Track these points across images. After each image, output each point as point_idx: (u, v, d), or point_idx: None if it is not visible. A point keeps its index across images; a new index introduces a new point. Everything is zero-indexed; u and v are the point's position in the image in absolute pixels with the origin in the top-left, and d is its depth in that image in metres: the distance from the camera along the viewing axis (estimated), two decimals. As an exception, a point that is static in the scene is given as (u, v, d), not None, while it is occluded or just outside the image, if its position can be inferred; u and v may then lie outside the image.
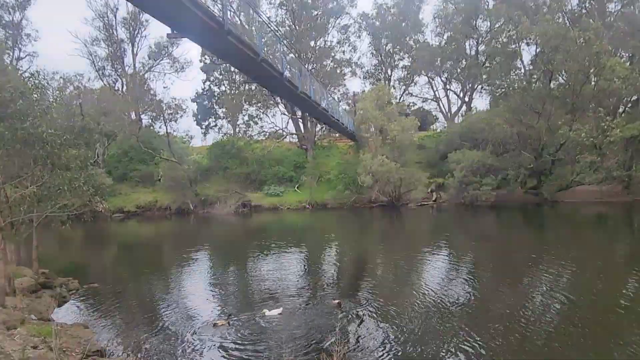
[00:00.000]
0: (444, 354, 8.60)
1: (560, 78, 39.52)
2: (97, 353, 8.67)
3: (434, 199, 42.29)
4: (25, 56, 51.45)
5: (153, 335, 10.32)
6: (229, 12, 16.00)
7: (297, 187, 47.10)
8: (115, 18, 53.12)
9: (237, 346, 9.54)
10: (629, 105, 40.03)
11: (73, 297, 14.18)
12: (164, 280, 16.92)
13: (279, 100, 52.02)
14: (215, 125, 61.63)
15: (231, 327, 10.48)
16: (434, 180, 42.86)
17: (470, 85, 58.03)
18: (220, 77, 57.74)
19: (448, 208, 39.63)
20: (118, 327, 11.08)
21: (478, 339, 9.20)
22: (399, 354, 8.73)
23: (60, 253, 25.28)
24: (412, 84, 62.27)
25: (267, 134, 54.67)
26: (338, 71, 55.22)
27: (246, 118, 55.26)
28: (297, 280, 15.59)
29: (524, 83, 40.96)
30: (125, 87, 54.23)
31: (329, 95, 38.41)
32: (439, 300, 12.00)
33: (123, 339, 10.19)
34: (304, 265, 18.83)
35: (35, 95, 12.86)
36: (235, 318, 11.09)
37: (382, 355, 8.65)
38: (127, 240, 31.23)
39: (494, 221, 32.58)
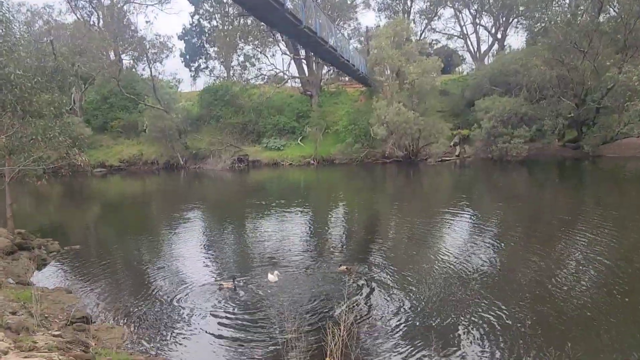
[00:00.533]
0: (464, 326, 8.65)
1: (611, 10, 37.98)
2: (82, 320, 8.93)
3: (457, 153, 42.00)
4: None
5: (141, 300, 10.65)
6: None
7: (300, 140, 46.99)
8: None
9: (235, 312, 9.80)
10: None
11: (53, 259, 14.55)
12: (152, 242, 17.30)
13: (280, 38, 50.82)
14: (206, 67, 61.07)
15: (236, 291, 10.85)
16: (457, 132, 42.56)
17: (503, 20, 56.21)
18: (211, 9, 56.38)
19: (473, 164, 39.38)
20: (103, 292, 11.33)
21: (504, 308, 9.34)
22: (414, 324, 8.86)
23: (38, 211, 25.90)
24: (436, 17, 60.55)
25: (266, 77, 53.72)
26: (349, 2, 53.52)
27: (241, 59, 54.27)
28: (302, 244, 15.91)
29: (568, 16, 39.39)
30: (101, 22, 53.04)
31: (337, 32, 37.28)
32: (460, 267, 12.15)
33: (109, 304, 10.48)
34: (309, 228, 19.13)
35: (0, 30, 12.62)
36: (237, 281, 11.36)
37: (394, 327, 8.76)
38: (110, 198, 31.75)
39: (526, 179, 32.44)
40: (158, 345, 8.48)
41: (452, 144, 42.15)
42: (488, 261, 12.70)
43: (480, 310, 9.37)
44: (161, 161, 46.04)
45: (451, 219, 18.73)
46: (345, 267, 12.07)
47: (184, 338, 8.78)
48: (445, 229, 17.27)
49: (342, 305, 9.40)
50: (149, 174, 43.35)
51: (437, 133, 40.04)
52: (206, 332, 8.97)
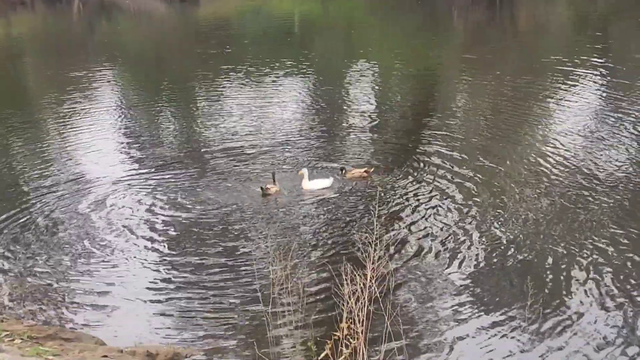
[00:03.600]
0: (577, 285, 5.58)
1: None
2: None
3: None
4: None
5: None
6: None
7: None
8: None
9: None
10: None
11: None
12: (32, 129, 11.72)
13: None
14: None
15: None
16: None
17: None
18: None
19: None
20: None
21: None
22: (488, 277, 5.91)
23: None
24: None
25: None
26: None
27: None
28: (297, 133, 11.09)
29: None
30: None
31: None
32: (574, 174, 8.12)
33: None
34: (309, 104, 13.04)
35: None
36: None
37: (453, 280, 5.90)
38: None
39: None
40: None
41: None
42: (624, 166, 8.35)
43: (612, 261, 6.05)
44: None
45: (569, 88, 12.32)
46: (360, 171, 8.65)
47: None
48: (554, 105, 11.44)
49: (369, 234, 6.11)
50: (12, 8, 29.94)
51: None
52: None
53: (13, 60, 20.08)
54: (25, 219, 7.58)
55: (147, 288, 6.12)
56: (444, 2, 26.18)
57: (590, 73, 13.35)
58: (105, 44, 20.59)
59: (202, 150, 10.35)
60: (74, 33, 23.93)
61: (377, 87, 14.27)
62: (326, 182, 8.29)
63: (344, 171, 8.69)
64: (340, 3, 28.40)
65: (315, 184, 8.28)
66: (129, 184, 8.67)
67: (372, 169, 8.69)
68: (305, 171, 8.27)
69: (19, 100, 13.54)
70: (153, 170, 9.30)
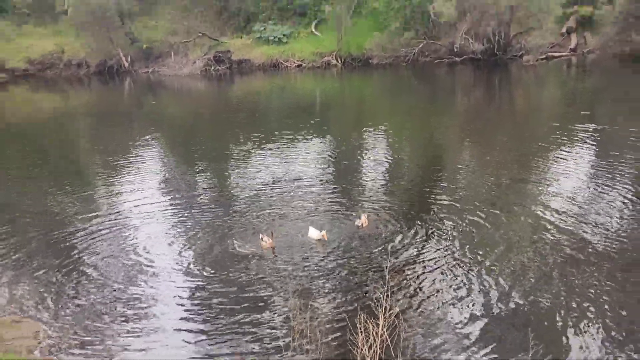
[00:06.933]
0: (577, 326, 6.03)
1: None
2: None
3: (572, 46, 30.15)
4: None
5: (69, 282, 7.78)
6: None
7: (315, 28, 35.07)
8: None
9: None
10: None
11: None
12: (82, 195, 12.01)
13: None
14: None
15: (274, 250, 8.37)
16: (573, 12, 30.49)
17: None
18: None
19: (598, 64, 28.01)
20: (7, 269, 8.28)
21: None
22: (496, 319, 6.31)
23: None
24: None
25: None
26: None
27: None
28: (317, 193, 11.30)
29: None
30: None
31: None
32: (576, 235, 8.36)
33: (17, 288, 7.68)
34: (328, 170, 13.42)
35: None
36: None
37: (464, 324, 6.29)
38: (11, 123, 23.04)
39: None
40: (94, 349, 6.12)
41: (563, 30, 30.17)
42: (622, 228, 8.58)
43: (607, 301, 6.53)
44: (93, 62, 34.07)
45: (563, 155, 12.74)
46: (364, 217, 9.05)
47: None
48: (553, 174, 11.69)
49: (381, 285, 6.94)
50: (73, 83, 32.91)
51: (540, 12, 28.40)
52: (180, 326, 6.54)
53: (70, 127, 22.05)
54: (74, 282, 7.85)
55: (167, 334, 6.42)
56: (447, 82, 28.09)
57: (583, 142, 14.07)
58: (149, 119, 22.59)
59: (229, 201, 11.07)
60: (122, 108, 26.16)
61: (386, 150, 15.15)
62: (316, 233, 8.53)
63: (357, 220, 9.01)
64: (360, 81, 30.64)
65: (314, 233, 8.58)
66: (163, 233, 9.31)
67: (369, 215, 9.06)
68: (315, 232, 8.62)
69: (68, 171, 14.61)
70: (187, 216, 10.04)
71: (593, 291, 6.77)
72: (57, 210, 10.80)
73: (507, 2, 27.42)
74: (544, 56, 29.41)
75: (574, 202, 9.82)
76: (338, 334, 6.11)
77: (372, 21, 33.43)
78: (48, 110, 26.20)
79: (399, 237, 8.58)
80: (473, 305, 6.62)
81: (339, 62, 33.25)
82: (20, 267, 8.30)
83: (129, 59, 35.33)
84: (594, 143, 13.97)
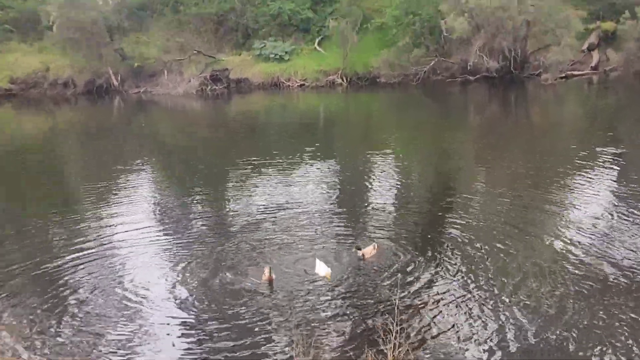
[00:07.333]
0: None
1: None
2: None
3: (593, 64, 28.75)
4: None
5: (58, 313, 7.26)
6: None
7: (319, 44, 33.77)
8: None
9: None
10: None
11: None
12: (72, 225, 11.22)
13: None
14: None
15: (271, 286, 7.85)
16: (595, 27, 28.74)
17: None
18: None
19: (622, 82, 26.83)
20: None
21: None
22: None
23: None
24: None
25: None
26: None
27: None
28: (322, 224, 10.65)
29: None
30: None
31: None
32: (594, 268, 7.88)
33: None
34: (332, 196, 12.75)
35: None
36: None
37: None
38: None
39: None
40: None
41: (584, 47, 28.74)
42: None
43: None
44: (80, 81, 32.78)
45: (582, 183, 12.11)
46: (370, 248, 8.54)
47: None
48: (571, 200, 11.14)
49: (390, 321, 6.18)
50: (60, 103, 31.96)
51: (559, 28, 26.05)
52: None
53: (56, 147, 21.48)
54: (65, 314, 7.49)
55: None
56: (462, 95, 27.57)
57: (604, 165, 13.61)
58: (140, 142, 21.92)
59: (227, 228, 10.55)
60: (111, 129, 25.49)
61: (395, 173, 14.65)
62: (324, 269, 7.94)
63: (360, 252, 8.43)
64: (367, 101, 30.01)
65: (321, 269, 8.00)
66: (154, 265, 8.80)
67: (376, 246, 8.57)
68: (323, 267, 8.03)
69: (54, 198, 13.85)
70: (180, 246, 9.54)
71: (617, 330, 6.29)
72: (40, 240, 10.17)
73: (524, 17, 26.48)
74: (563, 74, 28.03)
75: (594, 230, 9.26)
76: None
77: (380, 37, 32.50)
78: (29, 132, 25.32)
79: (409, 267, 8.17)
80: (488, 342, 6.20)
81: (344, 81, 32.27)
82: (2, 301, 7.78)
83: (119, 78, 34.38)
84: (616, 166, 13.45)
